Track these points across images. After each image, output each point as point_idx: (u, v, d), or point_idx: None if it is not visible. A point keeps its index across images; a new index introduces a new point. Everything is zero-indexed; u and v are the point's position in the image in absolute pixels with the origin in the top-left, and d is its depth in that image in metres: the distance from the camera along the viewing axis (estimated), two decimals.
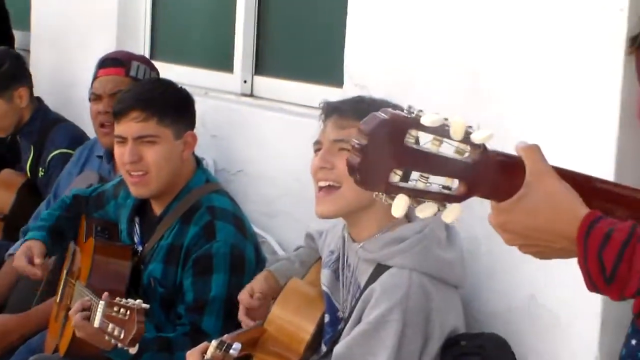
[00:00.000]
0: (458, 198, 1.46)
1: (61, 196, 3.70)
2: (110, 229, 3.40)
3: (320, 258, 2.86)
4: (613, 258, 1.44)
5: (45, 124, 4.49)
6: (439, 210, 1.46)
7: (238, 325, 2.87)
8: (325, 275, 2.74)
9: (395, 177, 1.43)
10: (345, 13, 3.41)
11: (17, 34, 5.72)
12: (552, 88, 2.69)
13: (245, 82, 4.19)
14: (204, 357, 2.63)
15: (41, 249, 3.35)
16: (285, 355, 2.68)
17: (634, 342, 2.18)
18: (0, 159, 4.68)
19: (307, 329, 2.69)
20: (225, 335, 2.68)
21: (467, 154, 1.45)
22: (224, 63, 4.29)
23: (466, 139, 1.43)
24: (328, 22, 3.83)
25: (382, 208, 2.44)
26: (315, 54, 3.97)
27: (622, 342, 2.24)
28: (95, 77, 3.96)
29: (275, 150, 3.77)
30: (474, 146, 1.44)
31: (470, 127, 1.43)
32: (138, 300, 2.80)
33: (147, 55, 4.65)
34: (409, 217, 2.61)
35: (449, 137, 1.43)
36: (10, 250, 3.81)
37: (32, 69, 4.82)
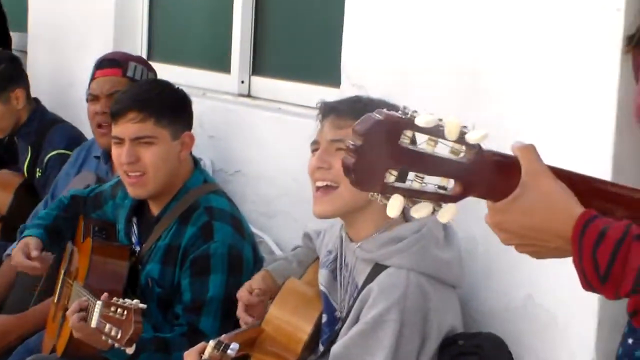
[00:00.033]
0: (454, 198, 1.46)
1: (59, 197, 3.70)
2: (108, 229, 3.40)
3: (317, 258, 2.86)
4: (607, 256, 1.44)
5: (42, 124, 4.49)
6: (434, 210, 1.46)
7: (236, 326, 2.87)
8: (322, 275, 2.74)
9: (391, 177, 1.43)
10: (343, 13, 3.41)
11: (14, 35, 5.72)
12: (550, 88, 2.69)
13: (242, 82, 4.19)
14: (201, 357, 2.63)
15: (38, 243, 3.34)
16: (282, 355, 2.68)
17: (630, 341, 2.18)
18: None
19: (304, 329, 2.69)
20: (223, 336, 2.68)
21: (462, 154, 1.45)
22: (222, 63, 4.29)
23: (461, 139, 1.43)
24: (325, 23, 3.83)
25: (379, 208, 2.44)
26: (312, 54, 3.97)
27: (619, 341, 2.25)
28: (92, 78, 3.96)
29: (272, 151, 3.76)
30: (469, 146, 1.44)
31: (465, 127, 1.43)
32: (135, 300, 2.79)
33: (144, 56, 4.65)
34: (406, 217, 2.61)
35: (443, 138, 1.43)
36: (8, 251, 3.81)
37: (30, 70, 4.82)
